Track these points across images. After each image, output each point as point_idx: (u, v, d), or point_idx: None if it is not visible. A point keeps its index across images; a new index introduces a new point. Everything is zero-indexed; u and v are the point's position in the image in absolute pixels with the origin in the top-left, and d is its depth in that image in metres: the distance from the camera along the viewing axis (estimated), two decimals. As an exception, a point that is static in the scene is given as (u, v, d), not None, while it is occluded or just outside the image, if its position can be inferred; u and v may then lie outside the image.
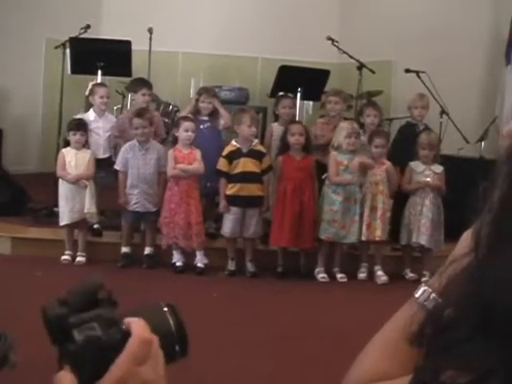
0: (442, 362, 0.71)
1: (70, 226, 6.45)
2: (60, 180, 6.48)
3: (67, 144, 6.60)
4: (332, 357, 4.37)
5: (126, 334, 0.80)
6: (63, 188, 6.43)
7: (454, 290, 0.76)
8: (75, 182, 6.38)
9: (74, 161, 6.44)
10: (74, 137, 6.45)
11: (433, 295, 0.89)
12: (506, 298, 0.68)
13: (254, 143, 6.47)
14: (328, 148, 6.59)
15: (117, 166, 6.51)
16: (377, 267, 6.50)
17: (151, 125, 6.54)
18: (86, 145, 6.56)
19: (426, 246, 6.45)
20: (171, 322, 0.85)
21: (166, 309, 0.86)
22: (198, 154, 6.38)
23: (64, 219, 6.38)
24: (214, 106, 6.95)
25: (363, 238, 6.43)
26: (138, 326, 0.81)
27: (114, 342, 0.80)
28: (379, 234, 6.41)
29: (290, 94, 7.46)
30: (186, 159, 6.37)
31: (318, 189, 6.53)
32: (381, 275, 6.44)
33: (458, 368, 0.69)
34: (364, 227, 6.40)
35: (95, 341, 0.79)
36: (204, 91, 7.08)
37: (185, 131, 6.36)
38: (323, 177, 6.54)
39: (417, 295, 0.91)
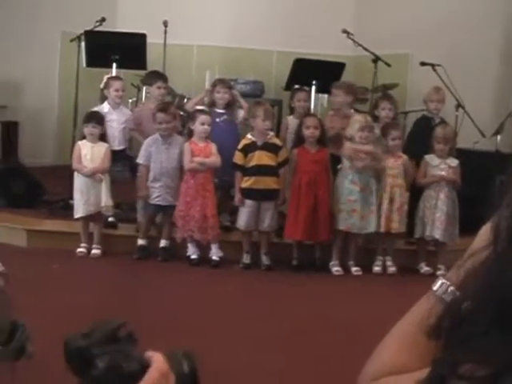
0: (460, 356, 0.71)
1: (86, 219, 6.48)
2: (75, 173, 6.50)
3: (85, 137, 6.61)
4: (346, 350, 4.37)
5: (146, 366, 0.86)
6: (78, 181, 6.45)
7: (472, 284, 0.75)
8: (91, 175, 6.41)
9: (89, 154, 6.46)
10: (86, 128, 6.47)
11: (451, 288, 0.89)
12: None
13: (269, 136, 6.46)
14: (338, 140, 6.59)
15: (139, 160, 6.51)
16: (387, 257, 6.54)
17: (174, 119, 6.55)
18: (103, 138, 6.57)
19: (440, 240, 6.43)
20: (185, 364, 0.91)
21: (181, 354, 0.92)
22: (213, 147, 6.38)
23: (79, 212, 6.41)
24: (229, 96, 6.91)
25: (382, 230, 6.42)
26: (158, 359, 0.86)
27: (135, 371, 0.85)
28: (396, 226, 6.43)
29: (305, 87, 7.45)
30: (203, 152, 6.37)
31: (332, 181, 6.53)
32: (390, 265, 6.49)
33: (475, 362, 0.69)
34: (383, 219, 6.40)
35: (117, 367, 0.84)
36: (219, 82, 7.06)
37: (201, 124, 6.35)
38: (338, 167, 6.52)
39: (435, 288, 0.91)
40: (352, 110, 7.08)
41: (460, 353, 0.71)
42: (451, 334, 0.75)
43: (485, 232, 0.82)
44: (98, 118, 6.54)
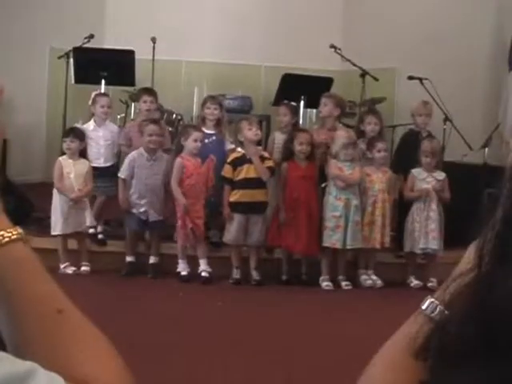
0: (446, 379, 0.70)
1: (65, 237, 6.35)
2: (55, 190, 6.35)
3: (64, 152, 6.51)
4: (337, 366, 4.36)
5: None
6: (59, 199, 6.32)
7: (458, 307, 0.75)
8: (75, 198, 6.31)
9: (72, 172, 6.34)
10: (64, 143, 6.41)
11: (440, 307, 0.88)
12: (508, 316, 0.68)
13: (259, 148, 6.49)
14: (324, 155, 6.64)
15: (121, 174, 6.47)
16: (369, 271, 6.57)
17: (163, 136, 6.56)
18: (84, 154, 6.49)
19: (438, 250, 6.43)
20: None
21: None
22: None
23: (56, 229, 6.29)
24: (219, 113, 6.84)
25: (377, 246, 6.44)
26: None
27: None
28: (387, 240, 6.49)
29: (292, 103, 7.46)
30: (197, 169, 6.34)
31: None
32: (375, 279, 6.51)
33: None
34: (378, 235, 6.41)
35: None
36: (209, 98, 7.04)
37: (194, 141, 6.32)
38: (323, 185, 6.54)
39: (423, 307, 0.91)
40: (340, 125, 7.10)
41: (445, 376, 0.71)
42: (437, 355, 0.75)
43: (470, 254, 0.82)
44: (76, 133, 6.44)
